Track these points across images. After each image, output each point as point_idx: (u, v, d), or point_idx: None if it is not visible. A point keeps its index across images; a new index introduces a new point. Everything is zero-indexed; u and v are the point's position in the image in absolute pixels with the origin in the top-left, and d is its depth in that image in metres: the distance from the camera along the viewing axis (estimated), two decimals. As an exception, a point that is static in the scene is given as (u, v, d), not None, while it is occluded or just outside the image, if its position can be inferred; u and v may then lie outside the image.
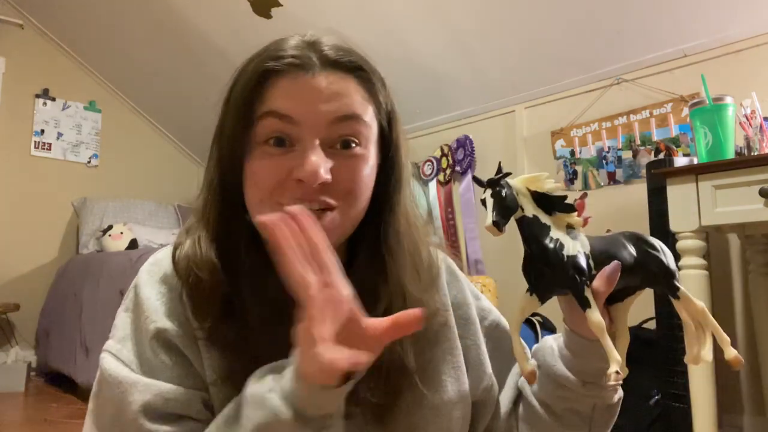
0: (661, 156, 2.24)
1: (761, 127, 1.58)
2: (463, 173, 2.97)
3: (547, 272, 0.57)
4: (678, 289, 0.59)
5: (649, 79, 2.34)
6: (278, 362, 0.51)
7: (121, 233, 3.58)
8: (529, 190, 0.59)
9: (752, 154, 1.57)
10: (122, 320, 0.61)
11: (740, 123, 1.60)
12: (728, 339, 0.58)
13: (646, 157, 2.30)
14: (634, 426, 1.80)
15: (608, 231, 0.64)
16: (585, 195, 0.68)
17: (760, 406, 1.97)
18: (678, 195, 1.54)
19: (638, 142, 2.36)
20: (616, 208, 2.40)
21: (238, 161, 0.59)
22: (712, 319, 0.58)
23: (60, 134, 3.93)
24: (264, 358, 0.52)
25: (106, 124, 4.13)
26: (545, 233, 0.58)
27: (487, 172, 2.89)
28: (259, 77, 0.58)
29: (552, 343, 0.68)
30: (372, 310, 0.54)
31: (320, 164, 0.55)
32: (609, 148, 2.45)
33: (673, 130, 2.27)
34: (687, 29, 2.18)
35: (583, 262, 0.57)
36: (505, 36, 2.56)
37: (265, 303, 0.57)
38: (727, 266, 2.07)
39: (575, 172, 2.56)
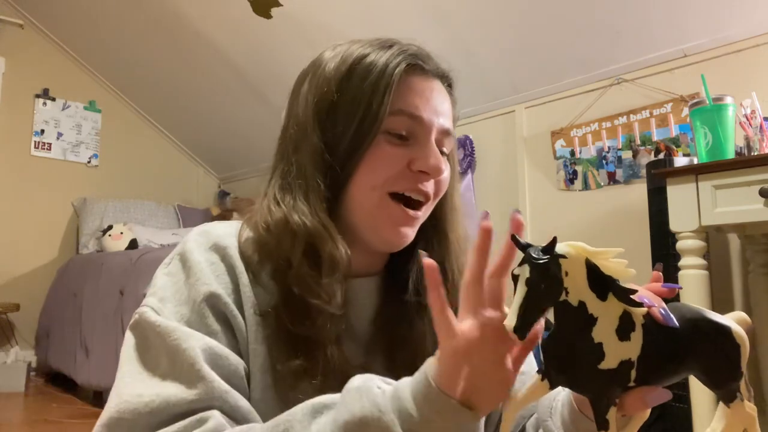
0: (661, 156, 2.24)
1: (761, 127, 1.58)
2: (463, 173, 2.97)
3: (570, 372, 0.45)
4: (736, 397, 0.49)
5: (649, 79, 2.34)
6: (319, 402, 0.48)
7: (121, 233, 3.58)
8: (588, 264, 0.43)
9: (752, 154, 1.57)
10: (163, 282, 0.59)
11: (740, 123, 1.60)
12: None
13: (646, 157, 2.30)
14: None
15: (658, 267, 0.52)
16: (660, 266, 0.46)
17: (760, 406, 1.97)
18: (678, 195, 1.54)
19: (638, 142, 2.36)
20: (616, 208, 2.40)
21: (361, 147, 0.61)
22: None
23: (60, 134, 3.93)
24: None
25: (106, 124, 4.13)
26: (586, 330, 0.43)
27: (487, 173, 2.89)
28: (396, 70, 0.62)
29: (554, 404, 0.62)
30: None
31: (441, 160, 0.63)
32: (609, 148, 2.45)
33: (673, 130, 2.27)
34: (687, 29, 2.18)
35: (622, 376, 0.44)
36: (505, 36, 2.56)
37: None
38: (727, 266, 2.07)
39: (575, 172, 2.56)
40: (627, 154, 2.40)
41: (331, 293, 0.58)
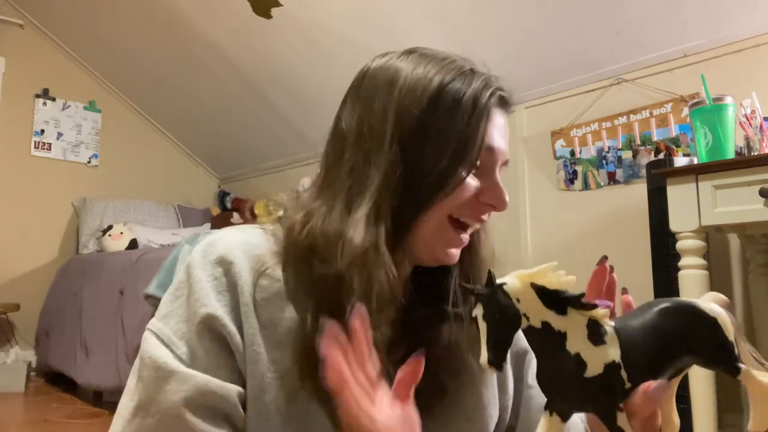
0: (661, 156, 2.24)
1: (761, 127, 1.58)
2: (463, 173, 2.97)
3: (566, 393, 0.46)
4: (739, 369, 0.48)
5: (649, 79, 2.34)
6: None
7: (121, 233, 3.58)
8: (534, 287, 0.45)
9: (752, 154, 1.57)
10: (167, 298, 0.61)
11: (740, 123, 1.60)
12: None
13: (646, 157, 2.30)
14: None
15: (624, 291, 0.54)
16: (605, 259, 0.55)
17: (760, 406, 1.96)
18: (678, 195, 1.54)
19: (638, 142, 2.36)
20: (616, 208, 2.40)
21: (444, 177, 0.60)
22: None
23: (60, 134, 3.93)
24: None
25: (106, 124, 4.13)
26: (559, 346, 0.45)
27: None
28: (484, 103, 0.61)
29: None
30: (454, 305, 0.64)
31: (506, 193, 0.64)
32: (609, 148, 2.45)
33: (673, 130, 2.27)
34: (687, 29, 2.18)
35: (613, 379, 0.44)
36: (505, 36, 2.56)
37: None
38: (727, 266, 2.07)
39: (575, 172, 2.56)
40: (627, 154, 2.40)
41: (378, 323, 0.56)
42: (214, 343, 0.56)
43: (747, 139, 1.60)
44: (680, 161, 1.84)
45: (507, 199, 0.63)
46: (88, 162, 4.04)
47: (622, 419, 0.44)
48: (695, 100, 1.62)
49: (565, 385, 0.45)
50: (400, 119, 0.60)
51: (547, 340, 0.45)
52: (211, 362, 0.56)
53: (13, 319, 3.56)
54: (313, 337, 0.53)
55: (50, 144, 3.89)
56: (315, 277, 0.57)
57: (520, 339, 0.72)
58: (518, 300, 0.44)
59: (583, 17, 2.32)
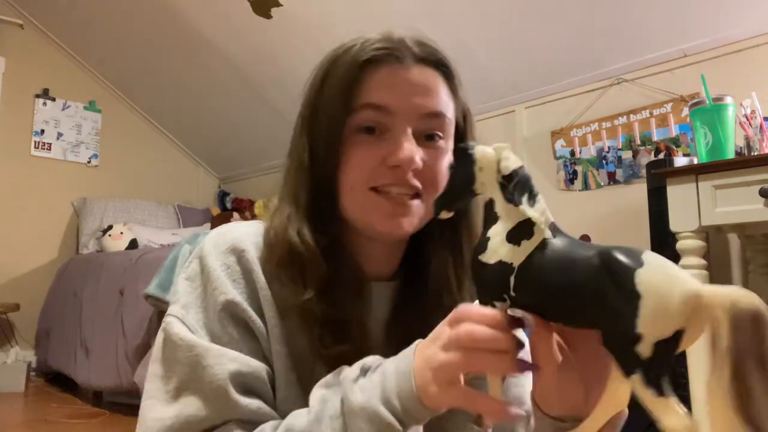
0: (661, 156, 2.24)
1: (761, 127, 1.58)
2: (463, 173, 2.97)
3: (472, 272, 0.48)
4: (634, 369, 0.38)
5: (649, 79, 2.34)
6: (366, 361, 0.53)
7: (121, 233, 3.58)
8: (499, 165, 0.46)
9: (752, 154, 1.57)
10: (184, 288, 0.61)
11: (740, 123, 1.60)
12: None
13: (646, 157, 2.30)
14: (634, 426, 1.80)
15: (585, 237, 0.54)
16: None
17: (760, 406, 1.96)
18: (678, 195, 1.53)
19: (638, 142, 2.36)
20: (616, 208, 2.40)
21: (333, 145, 0.60)
22: None
23: (60, 134, 3.93)
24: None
25: (106, 124, 4.13)
26: (488, 226, 0.47)
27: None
28: (358, 66, 0.60)
29: None
30: (450, 292, 0.63)
31: (415, 151, 0.59)
32: (609, 148, 2.45)
33: (673, 130, 2.27)
34: (687, 29, 2.18)
35: (499, 277, 0.44)
36: (505, 36, 2.56)
37: (342, 283, 0.60)
38: (727, 266, 2.07)
39: (575, 172, 2.56)
40: (627, 154, 2.40)
41: (298, 283, 0.59)
42: (237, 328, 0.58)
43: (747, 139, 1.60)
44: (680, 161, 1.84)
45: (408, 154, 0.58)
46: (88, 162, 4.04)
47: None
48: (695, 100, 1.62)
49: (472, 264, 0.47)
50: (304, 105, 0.65)
51: (486, 218, 0.47)
52: (236, 347, 0.57)
53: (13, 319, 3.56)
54: (325, 313, 0.58)
55: (50, 144, 3.89)
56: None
57: None
58: (480, 168, 0.47)
59: (583, 17, 2.32)
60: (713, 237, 2.02)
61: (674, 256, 1.60)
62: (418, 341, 0.51)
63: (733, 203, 1.44)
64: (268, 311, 0.59)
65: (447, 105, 0.63)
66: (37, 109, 3.85)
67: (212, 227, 3.97)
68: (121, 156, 4.17)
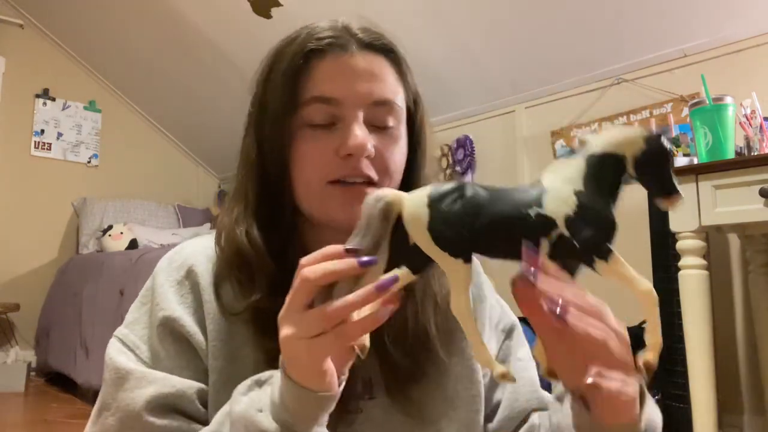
0: (661, 156, 2.24)
1: (761, 127, 1.58)
2: (463, 173, 2.97)
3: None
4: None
5: (649, 79, 2.34)
6: (262, 374, 0.51)
7: (121, 233, 3.58)
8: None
9: (752, 154, 1.57)
10: (135, 305, 0.63)
11: (740, 123, 1.60)
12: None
13: (646, 157, 2.30)
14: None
15: None
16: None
17: (760, 406, 1.96)
18: (678, 195, 1.53)
19: (638, 142, 2.36)
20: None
21: (281, 142, 0.59)
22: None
23: (60, 134, 3.93)
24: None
25: (106, 124, 4.13)
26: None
27: (487, 173, 2.89)
28: (301, 59, 0.59)
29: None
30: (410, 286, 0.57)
31: (366, 137, 0.58)
32: (609, 148, 2.45)
33: (673, 130, 2.27)
34: (687, 29, 2.18)
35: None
36: (505, 36, 2.56)
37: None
38: (727, 266, 2.07)
39: (575, 172, 2.56)
40: (627, 154, 2.40)
41: (251, 288, 0.57)
42: (175, 344, 0.58)
43: (747, 139, 1.60)
44: (680, 161, 1.84)
45: (359, 141, 0.57)
46: (88, 162, 4.04)
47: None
48: (695, 100, 1.62)
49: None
50: (252, 104, 0.63)
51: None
52: (173, 363, 0.57)
53: (13, 319, 3.55)
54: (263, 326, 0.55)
55: (50, 144, 3.89)
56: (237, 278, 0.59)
57: (506, 315, 0.72)
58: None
59: (583, 17, 2.32)
60: (713, 237, 2.02)
61: (674, 256, 1.60)
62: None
63: (733, 203, 1.44)
64: (211, 325, 0.58)
65: (395, 91, 0.62)
66: (37, 109, 3.85)
67: (212, 227, 3.97)
68: (121, 156, 4.17)
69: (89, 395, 2.91)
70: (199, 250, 0.63)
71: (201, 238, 0.66)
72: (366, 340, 0.46)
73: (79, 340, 2.95)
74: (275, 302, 0.51)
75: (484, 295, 0.71)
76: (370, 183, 0.59)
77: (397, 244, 0.45)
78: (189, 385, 0.56)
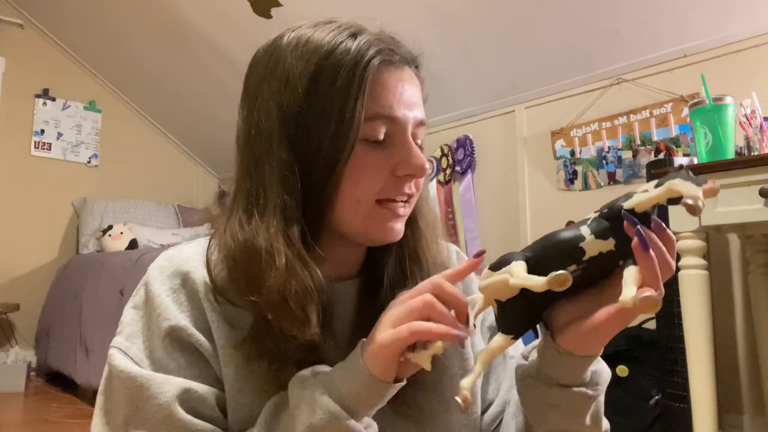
0: (661, 156, 2.24)
1: (761, 127, 1.58)
2: (463, 173, 2.97)
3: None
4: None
5: (649, 79, 2.34)
6: (317, 367, 0.54)
7: (121, 233, 3.58)
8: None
9: (752, 154, 1.57)
10: (130, 317, 0.59)
11: (740, 123, 1.60)
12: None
13: (646, 157, 2.30)
14: (634, 426, 1.80)
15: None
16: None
17: (760, 406, 1.96)
18: (678, 195, 1.53)
19: (638, 142, 2.36)
20: (616, 208, 2.40)
21: (339, 156, 0.56)
22: None
23: (60, 134, 3.93)
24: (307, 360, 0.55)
25: (106, 124, 4.13)
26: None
27: (487, 173, 2.90)
28: (362, 71, 0.56)
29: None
30: (404, 286, 0.61)
31: (424, 158, 0.59)
32: (609, 148, 2.45)
33: (673, 130, 2.27)
34: (687, 29, 2.18)
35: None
36: (505, 36, 2.56)
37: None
38: (727, 266, 2.07)
39: (575, 172, 2.56)
40: (627, 154, 2.40)
41: (305, 321, 0.54)
42: (185, 354, 0.56)
43: (747, 139, 1.60)
44: (680, 161, 1.84)
45: (422, 162, 0.58)
46: (88, 162, 4.04)
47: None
48: (695, 100, 1.62)
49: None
50: (285, 110, 0.58)
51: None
52: (185, 374, 0.55)
53: (13, 319, 3.55)
54: (260, 349, 0.56)
55: (50, 144, 3.89)
56: (244, 291, 0.55)
57: (491, 313, 0.72)
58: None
59: (583, 17, 2.32)
60: (713, 237, 2.02)
61: (674, 256, 1.60)
62: (362, 341, 0.53)
63: (733, 203, 1.44)
64: (218, 332, 0.56)
65: (423, 109, 0.63)
66: (37, 109, 3.85)
67: (212, 227, 3.97)
68: (121, 156, 4.17)
69: (89, 395, 2.91)
70: (192, 257, 0.60)
71: (190, 244, 0.63)
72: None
73: (79, 340, 2.95)
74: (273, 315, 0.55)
75: (473, 292, 0.72)
76: (410, 198, 0.61)
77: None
78: (210, 391, 0.55)
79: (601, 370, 0.56)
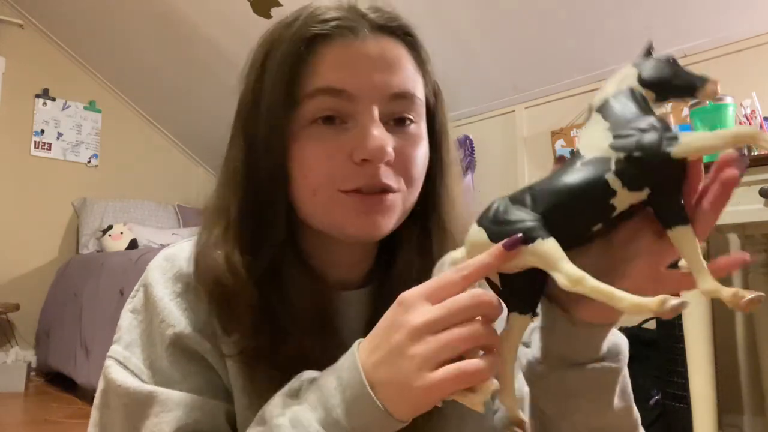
0: (661, 156, 2.24)
1: (761, 127, 1.58)
2: (463, 173, 2.97)
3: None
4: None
5: (649, 79, 2.34)
6: (292, 385, 0.46)
7: (121, 233, 3.58)
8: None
9: (752, 154, 1.57)
10: (128, 322, 0.54)
11: (740, 123, 1.60)
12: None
13: (646, 157, 2.30)
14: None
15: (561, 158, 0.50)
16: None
17: (760, 406, 1.96)
18: (678, 195, 1.53)
19: (638, 142, 2.36)
20: (616, 208, 2.40)
21: (279, 142, 0.50)
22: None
23: (60, 134, 3.93)
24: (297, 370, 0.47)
25: (106, 124, 4.13)
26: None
27: (487, 173, 2.89)
28: (303, 45, 0.50)
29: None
30: None
31: (385, 138, 0.49)
32: (609, 148, 2.45)
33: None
34: (687, 29, 2.18)
35: None
36: (505, 36, 2.56)
37: (303, 311, 0.51)
38: (727, 266, 2.07)
39: (575, 172, 2.56)
40: (627, 154, 2.40)
41: (241, 325, 0.50)
42: (191, 362, 0.51)
43: (747, 139, 1.60)
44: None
45: (378, 143, 0.48)
46: (88, 162, 4.04)
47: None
48: (695, 100, 1.62)
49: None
50: (240, 103, 0.54)
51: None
52: (191, 384, 0.50)
53: (13, 319, 3.55)
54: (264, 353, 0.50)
55: (50, 144, 3.89)
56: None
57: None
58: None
59: (583, 18, 2.32)
60: (713, 237, 2.02)
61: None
62: (358, 342, 0.44)
63: (733, 203, 1.42)
64: (223, 338, 0.51)
65: (415, 82, 0.53)
66: (37, 109, 3.85)
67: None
68: (121, 156, 4.17)
69: (89, 395, 2.91)
70: (191, 257, 0.56)
71: (188, 243, 0.58)
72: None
73: (79, 340, 2.95)
74: (257, 340, 0.49)
75: None
76: (388, 191, 0.51)
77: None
78: (216, 405, 0.50)
79: (618, 340, 0.48)
